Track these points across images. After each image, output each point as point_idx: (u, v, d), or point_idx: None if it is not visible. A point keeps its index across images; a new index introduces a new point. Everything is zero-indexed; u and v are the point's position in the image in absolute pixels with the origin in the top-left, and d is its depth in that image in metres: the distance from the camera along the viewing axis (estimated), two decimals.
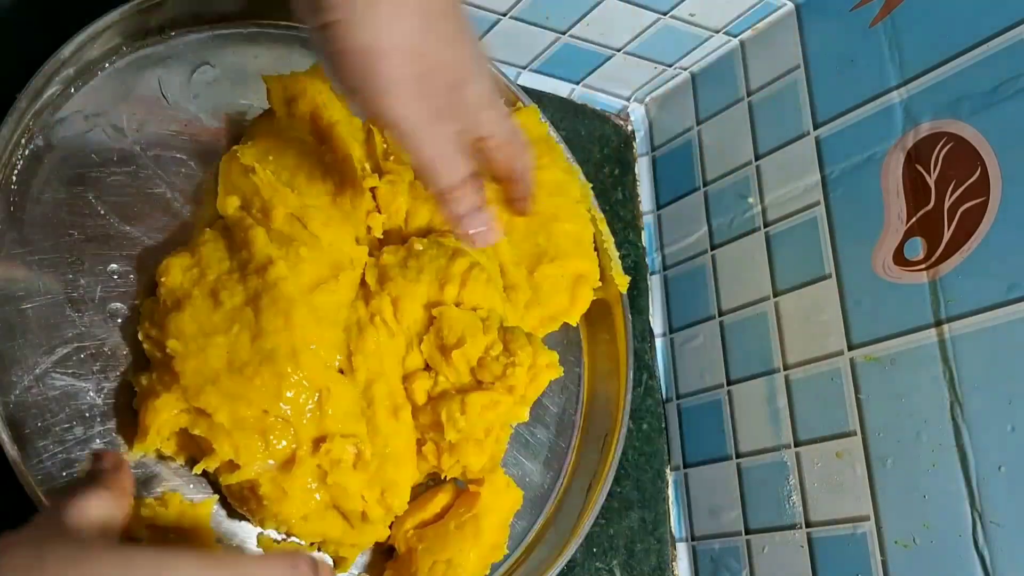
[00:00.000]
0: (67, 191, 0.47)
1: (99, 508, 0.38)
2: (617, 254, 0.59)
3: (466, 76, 0.41)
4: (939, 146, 0.51)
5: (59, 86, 0.47)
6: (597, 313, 0.59)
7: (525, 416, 0.52)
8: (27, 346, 0.44)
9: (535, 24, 0.63)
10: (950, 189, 0.50)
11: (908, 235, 0.52)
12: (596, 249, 0.58)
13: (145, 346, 0.46)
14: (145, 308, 0.47)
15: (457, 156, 0.42)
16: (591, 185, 0.60)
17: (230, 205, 0.49)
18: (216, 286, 0.47)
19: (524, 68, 0.69)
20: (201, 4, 0.51)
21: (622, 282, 0.58)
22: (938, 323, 0.50)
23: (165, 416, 0.44)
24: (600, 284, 0.57)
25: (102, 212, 0.48)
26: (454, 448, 0.49)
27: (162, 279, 0.47)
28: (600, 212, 0.59)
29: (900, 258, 0.52)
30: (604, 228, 0.59)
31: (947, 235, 0.50)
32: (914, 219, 0.52)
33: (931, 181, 0.51)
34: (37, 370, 0.44)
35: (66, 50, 0.46)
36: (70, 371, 0.45)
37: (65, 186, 0.47)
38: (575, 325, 0.59)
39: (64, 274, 0.46)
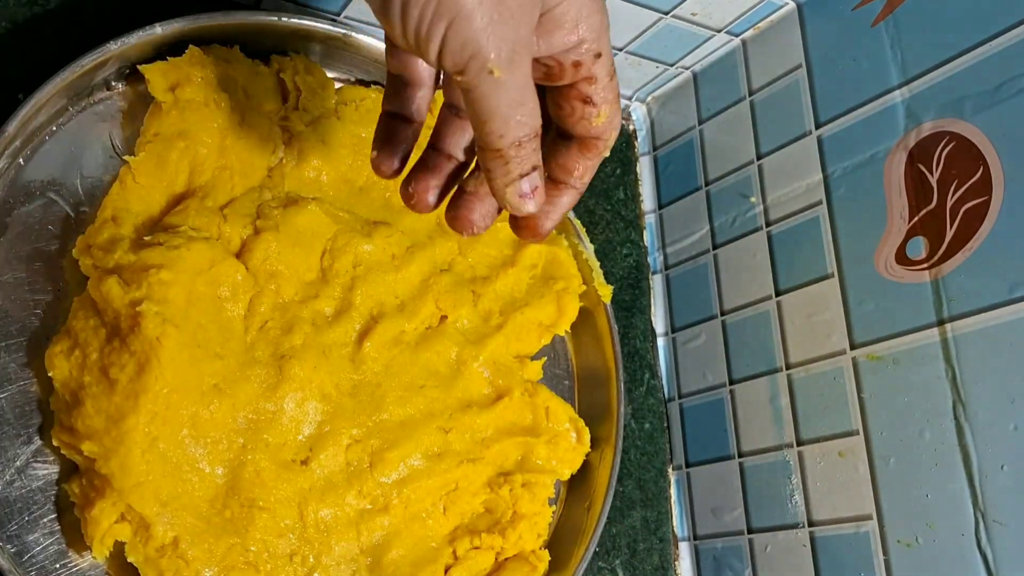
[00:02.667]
0: (27, 269, 0.45)
1: None
2: (598, 263, 0.59)
3: None
4: (941, 145, 0.51)
5: (7, 160, 0.45)
6: (580, 321, 0.59)
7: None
8: (5, 438, 0.43)
9: None
10: (952, 188, 0.50)
11: (910, 234, 0.52)
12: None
13: (64, 452, 0.43)
14: (54, 407, 0.44)
15: (534, 100, 0.33)
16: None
17: (81, 256, 0.45)
18: (103, 363, 0.42)
19: None
20: (143, 53, 0.49)
21: (605, 293, 0.58)
22: (940, 322, 0.50)
23: (106, 525, 0.41)
24: (584, 288, 0.57)
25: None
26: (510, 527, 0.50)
27: (50, 374, 0.43)
28: (579, 222, 0.59)
29: (902, 257, 0.52)
30: (584, 238, 0.59)
31: (949, 234, 0.50)
32: (916, 218, 0.52)
33: (933, 180, 0.51)
34: (18, 462, 0.43)
35: (10, 126, 0.43)
36: (51, 458, 0.44)
37: (24, 264, 0.45)
38: (563, 335, 0.59)
39: (33, 358, 0.44)
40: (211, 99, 0.48)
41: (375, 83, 0.55)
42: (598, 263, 0.59)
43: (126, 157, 0.47)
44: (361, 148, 0.52)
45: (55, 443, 0.43)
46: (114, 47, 0.46)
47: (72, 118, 0.48)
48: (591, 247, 0.59)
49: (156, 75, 0.47)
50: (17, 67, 0.48)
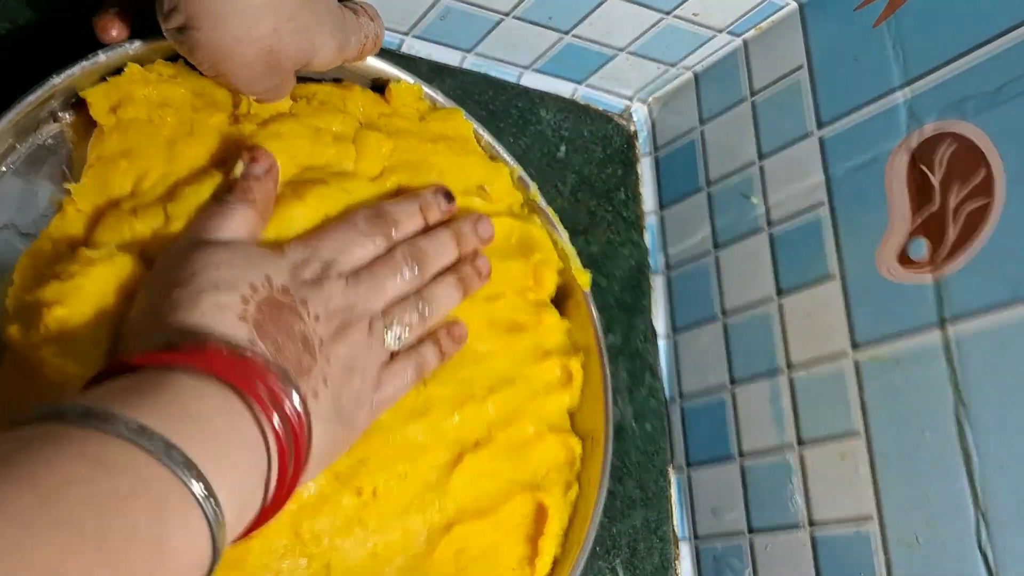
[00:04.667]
0: None
1: (243, 227, 0.42)
2: (574, 250, 0.58)
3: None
4: (943, 146, 0.51)
5: None
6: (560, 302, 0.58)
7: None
8: None
9: (538, 24, 0.63)
10: (954, 190, 0.50)
11: (912, 236, 0.52)
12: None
13: None
14: None
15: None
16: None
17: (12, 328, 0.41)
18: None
19: (527, 68, 0.69)
20: (89, 83, 0.46)
21: (584, 280, 0.57)
22: (942, 324, 0.50)
23: None
24: (561, 266, 0.57)
25: None
26: None
27: None
28: (551, 210, 0.58)
29: (904, 259, 0.52)
30: (558, 224, 0.58)
31: (951, 236, 0.50)
32: (918, 220, 0.52)
33: (935, 181, 0.51)
34: None
35: None
36: None
37: None
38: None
39: None
40: (155, 115, 0.46)
41: (327, 79, 0.54)
42: (574, 250, 0.58)
43: (67, 185, 0.45)
44: (320, 137, 0.50)
45: None
46: (58, 80, 0.44)
47: (21, 156, 0.46)
48: (565, 234, 0.58)
49: (98, 97, 0.45)
50: None
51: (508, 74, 0.69)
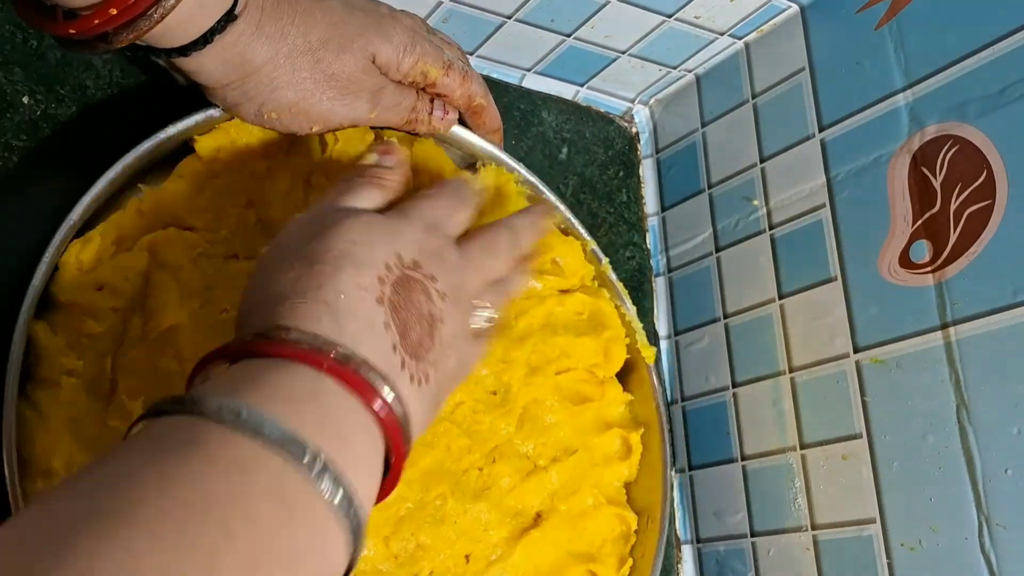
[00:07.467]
0: None
1: (372, 204, 0.41)
2: (640, 325, 0.59)
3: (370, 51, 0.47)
4: (945, 149, 0.51)
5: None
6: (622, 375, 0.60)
7: None
8: None
9: (540, 27, 0.63)
10: (956, 192, 0.50)
11: (914, 238, 0.52)
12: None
13: None
14: None
15: (399, 98, 0.49)
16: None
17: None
18: None
19: (529, 71, 0.69)
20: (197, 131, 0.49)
21: (648, 354, 0.59)
22: (944, 326, 0.50)
23: None
24: (628, 341, 0.58)
25: None
26: None
27: None
28: (622, 285, 0.60)
29: (906, 261, 0.52)
30: (627, 297, 0.59)
31: (953, 238, 0.50)
32: (920, 222, 0.52)
33: (937, 184, 0.51)
34: None
35: (75, 214, 0.43)
36: None
37: None
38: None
39: None
40: (247, 167, 0.48)
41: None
42: (640, 324, 0.59)
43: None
44: None
45: None
46: (172, 130, 0.47)
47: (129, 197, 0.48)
48: (633, 308, 0.59)
49: (206, 141, 0.48)
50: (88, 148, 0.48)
51: (510, 76, 0.69)
